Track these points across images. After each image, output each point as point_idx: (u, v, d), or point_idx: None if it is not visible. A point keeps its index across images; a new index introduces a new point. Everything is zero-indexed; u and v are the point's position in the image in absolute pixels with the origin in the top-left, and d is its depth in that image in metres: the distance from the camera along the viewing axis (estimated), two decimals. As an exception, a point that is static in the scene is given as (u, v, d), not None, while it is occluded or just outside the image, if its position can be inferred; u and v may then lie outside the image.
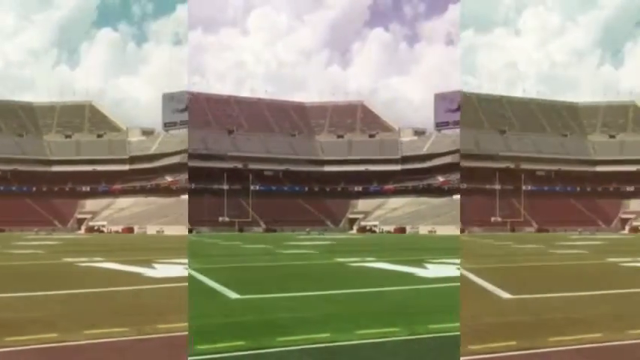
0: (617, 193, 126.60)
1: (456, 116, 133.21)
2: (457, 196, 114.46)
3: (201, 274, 21.20)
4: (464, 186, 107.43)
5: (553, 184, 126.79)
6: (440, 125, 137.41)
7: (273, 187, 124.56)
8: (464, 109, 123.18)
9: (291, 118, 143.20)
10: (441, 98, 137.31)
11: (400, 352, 9.33)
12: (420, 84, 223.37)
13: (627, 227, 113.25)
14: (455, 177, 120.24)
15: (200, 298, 14.82)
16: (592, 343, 9.64)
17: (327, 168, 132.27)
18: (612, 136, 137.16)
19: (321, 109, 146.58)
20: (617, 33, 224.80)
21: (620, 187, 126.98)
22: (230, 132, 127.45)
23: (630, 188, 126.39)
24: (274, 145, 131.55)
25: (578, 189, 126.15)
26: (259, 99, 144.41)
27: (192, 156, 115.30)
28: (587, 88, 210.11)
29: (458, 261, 26.04)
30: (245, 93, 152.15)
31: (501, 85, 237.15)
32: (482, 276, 19.95)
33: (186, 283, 17.39)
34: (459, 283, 17.32)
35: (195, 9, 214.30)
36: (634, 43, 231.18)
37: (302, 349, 9.34)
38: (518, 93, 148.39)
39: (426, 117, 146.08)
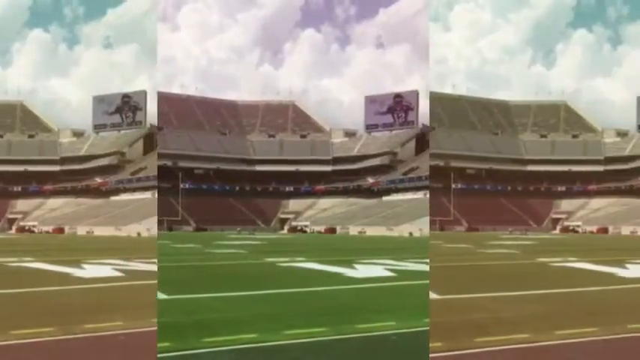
0: (549, 193, 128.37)
1: (387, 119, 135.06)
2: (389, 197, 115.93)
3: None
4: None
5: (483, 183, 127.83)
6: (370, 127, 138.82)
7: (204, 186, 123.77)
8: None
9: (222, 116, 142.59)
10: (371, 101, 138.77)
11: (327, 352, 9.37)
12: (350, 86, 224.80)
13: (558, 227, 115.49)
14: (384, 178, 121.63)
15: (126, 298, 14.65)
16: (519, 343, 9.74)
17: (259, 167, 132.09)
18: (544, 136, 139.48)
19: (253, 108, 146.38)
20: (549, 33, 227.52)
21: (551, 187, 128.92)
22: (159, 129, 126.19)
23: (561, 188, 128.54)
24: (205, 143, 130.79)
25: (509, 188, 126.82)
26: (189, 96, 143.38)
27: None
28: (518, 86, 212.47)
29: (387, 261, 26.27)
30: (175, 89, 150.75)
31: (431, 82, 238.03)
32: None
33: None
34: (391, 283, 17.47)
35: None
36: (565, 44, 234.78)
37: (229, 349, 9.29)
38: (447, 89, 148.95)
39: (356, 119, 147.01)
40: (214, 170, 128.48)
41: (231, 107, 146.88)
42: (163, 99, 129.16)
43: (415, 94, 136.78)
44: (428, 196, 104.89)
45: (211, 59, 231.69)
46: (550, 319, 11.92)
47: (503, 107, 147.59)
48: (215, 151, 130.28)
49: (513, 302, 14.56)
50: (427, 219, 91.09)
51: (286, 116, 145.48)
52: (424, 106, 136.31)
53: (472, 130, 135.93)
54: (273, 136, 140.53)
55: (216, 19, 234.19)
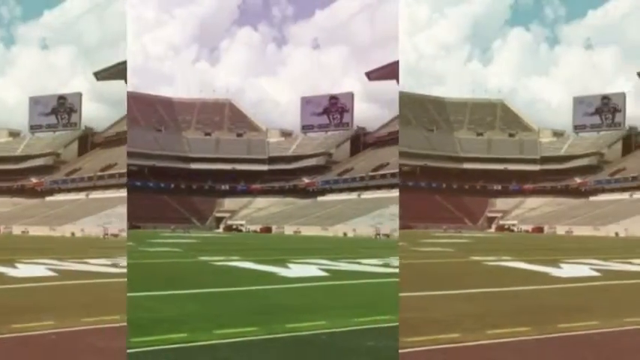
0: (484, 191, 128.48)
1: (322, 120, 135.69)
2: (324, 198, 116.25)
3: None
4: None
5: (418, 180, 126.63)
6: (306, 128, 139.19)
7: (138, 183, 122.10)
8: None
9: (158, 112, 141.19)
10: (307, 102, 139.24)
11: (257, 352, 9.40)
12: (286, 86, 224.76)
13: (493, 226, 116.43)
14: (320, 179, 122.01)
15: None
16: (448, 343, 9.79)
17: (194, 165, 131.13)
18: (480, 134, 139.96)
19: (189, 106, 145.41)
20: (487, 30, 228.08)
21: (487, 186, 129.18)
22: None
23: (497, 187, 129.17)
24: (140, 140, 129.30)
25: (444, 186, 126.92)
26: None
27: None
28: (454, 83, 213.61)
29: (321, 261, 26.42)
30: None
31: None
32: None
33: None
34: (324, 283, 17.60)
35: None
36: (503, 42, 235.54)
37: (158, 349, 9.26)
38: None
39: (292, 119, 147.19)
40: (149, 167, 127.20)
41: (167, 104, 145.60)
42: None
43: (350, 95, 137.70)
44: (374, 196, 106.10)
45: (147, 55, 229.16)
46: (482, 318, 11.95)
47: (439, 104, 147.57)
48: (150, 147, 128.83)
49: (445, 301, 14.64)
50: (361, 219, 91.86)
51: (222, 114, 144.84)
52: (359, 109, 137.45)
53: (407, 126, 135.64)
54: (209, 134, 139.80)
55: (152, 15, 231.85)
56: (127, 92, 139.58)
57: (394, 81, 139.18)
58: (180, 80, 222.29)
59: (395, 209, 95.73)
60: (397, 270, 22.74)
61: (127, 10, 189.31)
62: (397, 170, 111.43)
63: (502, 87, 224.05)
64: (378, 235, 78.47)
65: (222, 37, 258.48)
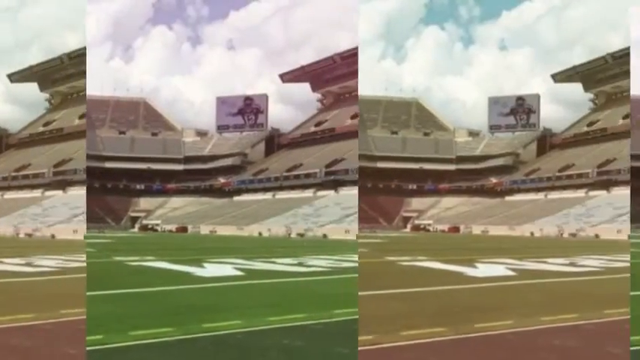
0: (399, 191, 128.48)
1: (237, 120, 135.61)
2: (240, 198, 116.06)
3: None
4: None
5: None
6: (221, 128, 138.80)
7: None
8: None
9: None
10: (222, 102, 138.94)
11: (173, 353, 9.42)
12: (201, 86, 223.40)
13: (409, 226, 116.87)
14: (235, 179, 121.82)
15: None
16: (363, 345, 9.63)
17: (109, 164, 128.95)
18: (394, 133, 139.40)
19: (102, 104, 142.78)
20: (401, 28, 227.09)
21: (402, 185, 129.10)
22: None
23: (412, 186, 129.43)
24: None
25: (359, 185, 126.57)
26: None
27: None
28: (367, 81, 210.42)
29: (236, 261, 26.47)
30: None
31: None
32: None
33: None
34: (239, 282, 17.64)
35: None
36: (417, 40, 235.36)
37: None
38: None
39: (207, 119, 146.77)
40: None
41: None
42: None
43: (265, 97, 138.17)
44: (288, 196, 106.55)
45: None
46: (396, 319, 11.78)
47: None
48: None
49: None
50: (276, 219, 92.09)
51: (137, 113, 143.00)
52: (273, 110, 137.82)
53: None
54: (123, 132, 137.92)
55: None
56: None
57: (307, 83, 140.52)
58: (94, 78, 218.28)
59: (309, 209, 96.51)
60: (314, 269, 22.98)
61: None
62: (313, 171, 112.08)
63: (417, 86, 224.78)
64: (290, 234, 78.95)
65: (136, 36, 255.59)
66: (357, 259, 28.37)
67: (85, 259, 26.36)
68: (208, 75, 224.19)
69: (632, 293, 14.85)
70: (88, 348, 9.20)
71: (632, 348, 9.47)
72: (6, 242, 53.63)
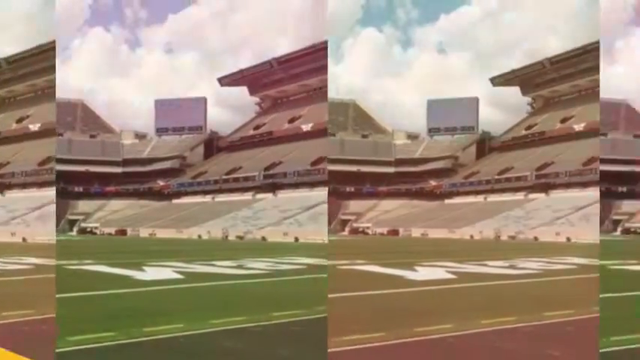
0: (337, 193, 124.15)
1: (176, 123, 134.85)
2: (179, 200, 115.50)
3: None
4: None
5: None
6: (160, 131, 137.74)
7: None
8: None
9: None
10: (160, 105, 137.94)
11: (114, 358, 9.42)
12: (140, 88, 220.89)
13: (347, 229, 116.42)
14: (174, 182, 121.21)
15: None
16: None
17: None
18: (332, 135, 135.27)
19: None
20: (337, 29, 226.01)
21: (339, 187, 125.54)
22: None
23: (350, 189, 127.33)
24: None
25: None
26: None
27: None
28: None
29: (176, 264, 26.37)
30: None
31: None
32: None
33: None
34: (179, 285, 17.62)
35: None
36: (354, 41, 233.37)
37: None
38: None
39: (147, 121, 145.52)
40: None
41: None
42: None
43: (203, 100, 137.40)
44: (227, 199, 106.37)
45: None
46: (332, 324, 11.34)
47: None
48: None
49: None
50: (215, 222, 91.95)
51: (75, 115, 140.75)
52: (212, 113, 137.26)
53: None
54: (61, 134, 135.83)
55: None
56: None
57: (245, 87, 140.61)
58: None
59: (248, 212, 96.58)
60: (253, 272, 23.11)
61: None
62: (251, 174, 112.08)
63: (354, 87, 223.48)
64: (227, 237, 78.94)
65: (73, 37, 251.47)
66: (299, 261, 28.49)
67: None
68: (147, 77, 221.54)
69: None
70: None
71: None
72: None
